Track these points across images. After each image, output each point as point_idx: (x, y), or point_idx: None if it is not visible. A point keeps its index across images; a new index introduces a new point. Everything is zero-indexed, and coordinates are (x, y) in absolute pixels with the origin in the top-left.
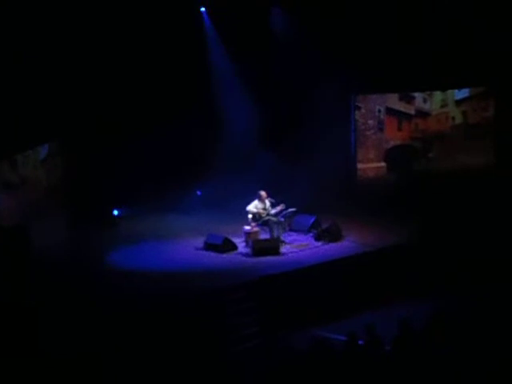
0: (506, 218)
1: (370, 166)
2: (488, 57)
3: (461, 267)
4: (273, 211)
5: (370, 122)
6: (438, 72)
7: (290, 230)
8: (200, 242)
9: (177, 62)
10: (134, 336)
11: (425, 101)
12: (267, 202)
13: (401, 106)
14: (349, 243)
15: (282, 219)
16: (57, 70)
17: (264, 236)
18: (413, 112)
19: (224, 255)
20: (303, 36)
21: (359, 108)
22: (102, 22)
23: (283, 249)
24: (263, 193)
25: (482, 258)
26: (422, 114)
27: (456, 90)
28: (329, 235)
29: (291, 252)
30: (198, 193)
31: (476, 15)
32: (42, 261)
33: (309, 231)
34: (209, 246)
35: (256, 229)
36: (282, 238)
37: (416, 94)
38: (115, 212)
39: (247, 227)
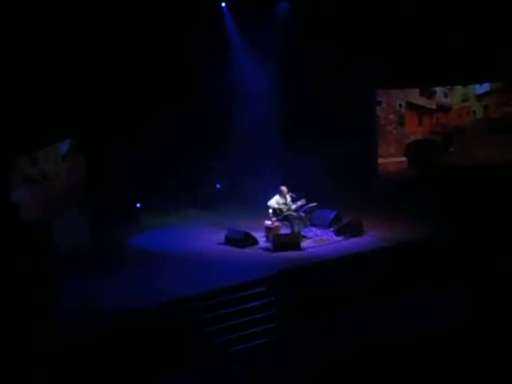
0: None
1: (390, 160)
2: (508, 51)
3: (479, 263)
4: (293, 206)
5: (391, 116)
6: (458, 66)
7: (311, 224)
8: (221, 236)
9: (193, 57)
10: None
11: (446, 95)
12: (288, 197)
13: (422, 101)
14: (369, 238)
15: (303, 214)
16: (79, 68)
17: (285, 231)
18: (434, 106)
19: (245, 250)
20: (324, 30)
21: (380, 103)
22: (126, 18)
23: (304, 244)
24: (284, 188)
25: (500, 254)
26: (443, 109)
27: (477, 85)
28: (349, 230)
29: (312, 247)
30: (218, 186)
31: (495, 10)
32: (65, 255)
33: (329, 226)
34: (229, 241)
35: (277, 224)
36: (302, 232)
37: (437, 89)
38: (138, 205)
39: (268, 222)
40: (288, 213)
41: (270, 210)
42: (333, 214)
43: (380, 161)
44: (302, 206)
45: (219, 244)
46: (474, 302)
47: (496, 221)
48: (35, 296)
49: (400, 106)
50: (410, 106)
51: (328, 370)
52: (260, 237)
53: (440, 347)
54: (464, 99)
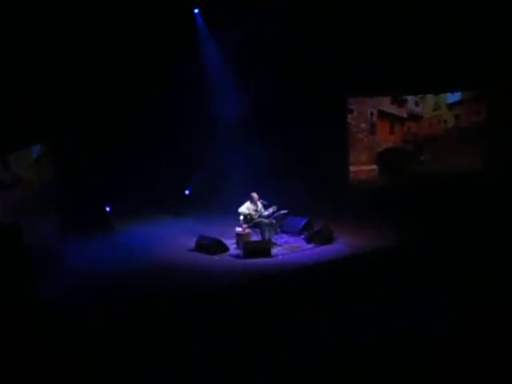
0: (496, 221)
1: (361, 168)
2: (480, 61)
3: (451, 270)
4: (265, 213)
5: (362, 125)
6: (430, 75)
7: (282, 231)
8: (191, 243)
9: (169, 57)
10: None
11: (417, 104)
12: (259, 204)
13: (393, 109)
14: (340, 246)
15: (274, 221)
16: (51, 71)
17: (255, 238)
18: (405, 115)
19: (215, 257)
20: (296, 36)
21: (351, 111)
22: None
23: (274, 251)
24: (255, 195)
25: (472, 261)
26: (415, 118)
27: (448, 94)
28: (320, 237)
29: (282, 254)
30: (187, 192)
31: (470, 16)
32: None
33: (300, 233)
34: (200, 248)
35: (247, 230)
36: (273, 239)
37: (408, 97)
38: (107, 209)
39: (239, 229)
40: (259, 219)
41: (241, 217)
42: (304, 222)
43: (351, 169)
44: (273, 213)
45: (189, 250)
46: (447, 308)
47: (466, 228)
48: (5, 298)
49: (371, 114)
50: (382, 114)
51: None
52: (230, 244)
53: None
54: (435, 108)
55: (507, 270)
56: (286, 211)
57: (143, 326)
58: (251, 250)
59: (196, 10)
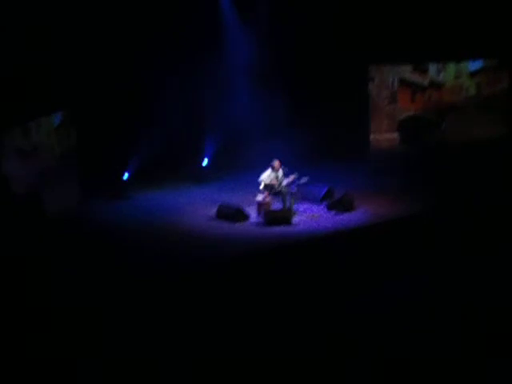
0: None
1: (383, 136)
2: (502, 28)
3: (473, 238)
4: (285, 181)
5: (384, 92)
6: (451, 43)
7: (303, 199)
8: (213, 211)
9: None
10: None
11: (438, 72)
12: (280, 172)
13: (414, 78)
14: (361, 214)
15: (295, 189)
16: (72, 41)
17: (276, 206)
18: (426, 83)
19: (236, 225)
20: (317, 6)
21: (373, 79)
22: None
23: (295, 219)
24: (276, 162)
25: (494, 228)
26: (436, 86)
27: (470, 62)
28: (341, 206)
29: (303, 222)
30: (206, 162)
31: None
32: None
33: (321, 201)
34: (221, 216)
35: (268, 199)
36: (294, 207)
37: (430, 66)
38: (125, 176)
39: (260, 197)
40: (280, 188)
41: (262, 185)
42: (325, 190)
43: (372, 137)
44: (293, 181)
45: (211, 219)
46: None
47: (487, 195)
48: (30, 267)
49: (393, 82)
50: (403, 82)
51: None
52: (251, 212)
53: None
54: (457, 76)
55: None
56: (307, 179)
57: (159, 292)
58: (272, 218)
59: None
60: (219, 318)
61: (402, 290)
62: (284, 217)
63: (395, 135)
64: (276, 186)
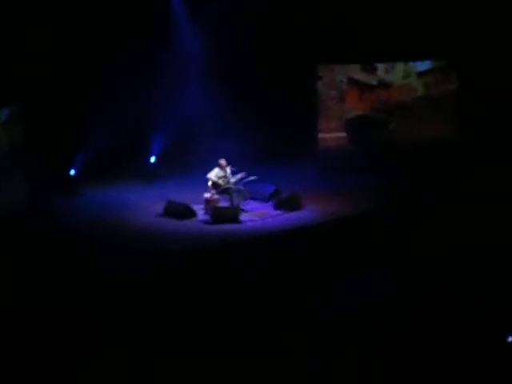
0: (460, 189)
1: (331, 135)
2: (451, 30)
3: (420, 236)
4: (233, 179)
5: (332, 92)
6: (400, 43)
7: (250, 198)
8: (160, 208)
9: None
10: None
11: (387, 72)
12: (228, 170)
13: (363, 77)
14: (308, 212)
15: (242, 187)
16: (19, 36)
17: (224, 204)
18: (375, 83)
19: (183, 222)
20: (266, 4)
21: (321, 78)
22: None
23: (242, 217)
24: (223, 161)
25: (440, 227)
26: (384, 85)
27: (418, 62)
28: (288, 204)
29: (250, 220)
30: (153, 159)
31: None
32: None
33: (269, 200)
34: (169, 213)
35: (216, 196)
36: (241, 206)
37: (378, 65)
38: (72, 173)
39: (207, 194)
40: (227, 186)
41: (210, 183)
42: (272, 188)
43: (320, 136)
44: (241, 179)
45: (158, 216)
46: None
47: (433, 194)
48: None
49: (341, 81)
50: (351, 81)
51: None
52: (199, 209)
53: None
54: (405, 76)
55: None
56: (254, 178)
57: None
58: (219, 215)
59: None
60: (163, 315)
61: (351, 287)
62: (231, 214)
63: (343, 134)
64: (223, 184)
